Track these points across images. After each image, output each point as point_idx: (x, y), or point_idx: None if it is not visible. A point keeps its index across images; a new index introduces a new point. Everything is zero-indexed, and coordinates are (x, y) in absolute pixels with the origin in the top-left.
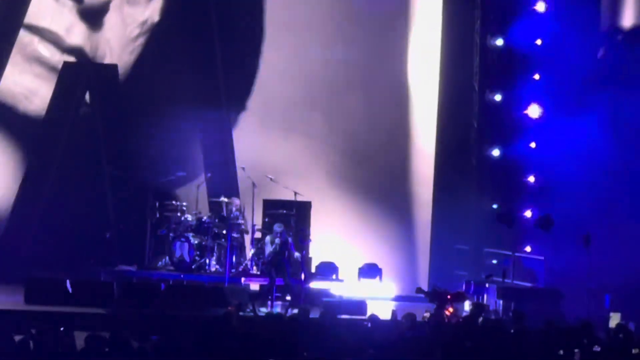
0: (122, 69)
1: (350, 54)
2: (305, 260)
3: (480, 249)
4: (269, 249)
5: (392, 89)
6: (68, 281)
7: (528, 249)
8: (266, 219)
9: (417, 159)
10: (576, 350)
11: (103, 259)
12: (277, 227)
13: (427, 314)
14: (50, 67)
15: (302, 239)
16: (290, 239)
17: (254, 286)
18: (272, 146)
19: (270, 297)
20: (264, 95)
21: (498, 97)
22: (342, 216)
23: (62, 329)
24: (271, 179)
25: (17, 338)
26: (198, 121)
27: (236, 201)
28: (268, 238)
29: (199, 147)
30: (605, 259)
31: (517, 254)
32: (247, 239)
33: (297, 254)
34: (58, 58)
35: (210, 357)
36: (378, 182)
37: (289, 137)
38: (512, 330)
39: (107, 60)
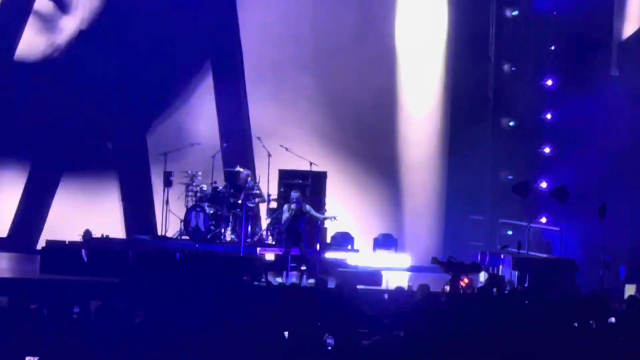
0: None
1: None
2: (321, 231)
3: (495, 220)
4: (283, 218)
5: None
6: (83, 250)
7: (543, 220)
8: (281, 189)
9: (432, 130)
10: (591, 322)
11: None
12: (294, 194)
13: (447, 287)
14: None
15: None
16: (308, 207)
17: (269, 256)
18: (285, 116)
19: (285, 267)
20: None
21: (512, 68)
22: (357, 186)
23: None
24: (286, 148)
25: (33, 307)
26: (215, 92)
27: (248, 171)
28: (285, 207)
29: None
30: (620, 231)
31: (532, 225)
32: (263, 209)
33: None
34: None
35: (224, 328)
36: (391, 152)
37: (299, 106)
38: (526, 302)
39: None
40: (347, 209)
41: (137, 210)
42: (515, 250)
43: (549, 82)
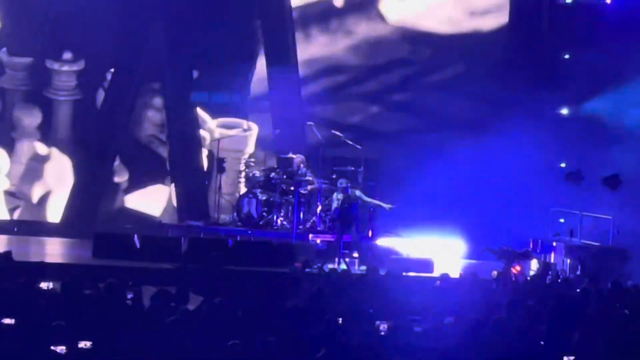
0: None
1: None
2: (373, 216)
3: (547, 207)
4: (335, 205)
5: None
6: (136, 236)
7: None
8: (334, 176)
9: None
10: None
11: None
12: (342, 180)
13: (495, 273)
14: None
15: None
16: (358, 192)
17: (321, 242)
18: (338, 105)
19: (337, 254)
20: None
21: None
22: (409, 173)
23: (130, 283)
24: (339, 135)
25: (86, 292)
26: (268, 79)
27: (300, 157)
28: (335, 194)
29: (267, 104)
30: None
31: (584, 213)
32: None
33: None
34: None
35: (276, 314)
36: (446, 138)
37: (354, 96)
38: (577, 290)
39: None
40: (402, 196)
41: (190, 195)
42: (568, 238)
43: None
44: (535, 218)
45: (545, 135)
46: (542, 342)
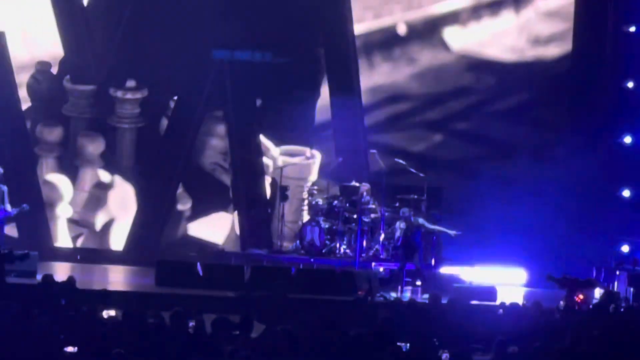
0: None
1: None
2: (437, 244)
3: (610, 235)
4: (398, 233)
5: None
6: (199, 264)
7: None
8: (396, 204)
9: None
10: None
11: None
12: (403, 212)
13: (562, 303)
14: None
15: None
16: (421, 220)
17: (385, 271)
18: (401, 133)
19: (400, 282)
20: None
21: None
22: (471, 201)
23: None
24: (402, 163)
25: (149, 320)
26: (331, 106)
27: (366, 186)
28: (398, 222)
29: (330, 132)
30: None
31: None
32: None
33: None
34: None
35: (340, 343)
36: (508, 166)
37: (417, 124)
38: None
39: None
40: (464, 224)
41: (253, 223)
42: (631, 267)
43: None
44: (597, 246)
45: (607, 162)
46: None
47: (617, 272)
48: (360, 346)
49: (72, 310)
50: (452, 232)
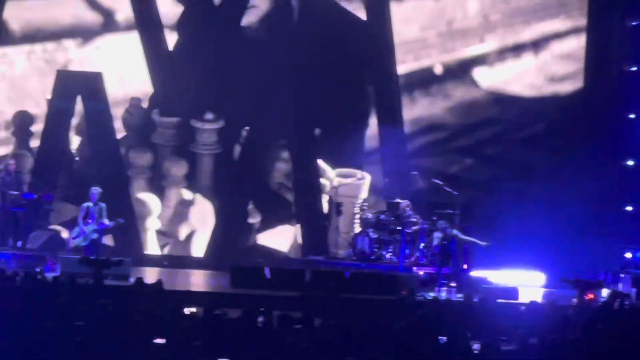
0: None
1: None
2: (468, 251)
3: (616, 244)
4: (435, 242)
5: None
6: (267, 269)
7: None
8: (434, 218)
9: None
10: None
11: None
12: (440, 224)
13: (575, 300)
14: None
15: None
16: (455, 231)
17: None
18: (438, 157)
19: (437, 283)
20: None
21: None
22: (498, 215)
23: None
24: (438, 183)
25: (225, 316)
26: (379, 135)
27: (408, 202)
28: (435, 234)
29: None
30: None
31: None
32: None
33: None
34: None
35: (386, 336)
36: (528, 186)
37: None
38: None
39: None
40: (492, 235)
41: (312, 234)
42: (633, 270)
43: None
44: (604, 253)
45: (613, 182)
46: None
47: (622, 275)
48: (403, 338)
49: (160, 308)
50: (482, 243)
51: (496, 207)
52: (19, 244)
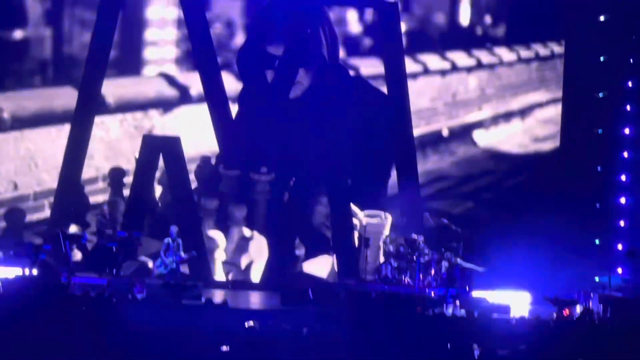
0: None
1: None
2: (469, 276)
3: (588, 269)
4: (443, 269)
5: None
6: (310, 290)
7: (619, 270)
8: (442, 249)
9: None
10: None
11: None
12: (447, 254)
13: (554, 315)
14: None
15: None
16: (459, 260)
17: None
18: (445, 201)
19: (445, 301)
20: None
21: None
22: (493, 247)
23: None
24: (445, 222)
25: (276, 329)
26: (398, 183)
27: (421, 237)
28: (443, 262)
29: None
30: None
31: (613, 275)
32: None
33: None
34: None
35: (406, 344)
36: (521, 224)
37: (455, 195)
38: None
39: None
40: (488, 262)
41: (346, 263)
42: (601, 290)
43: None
44: (578, 277)
45: (585, 221)
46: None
47: (592, 295)
48: (419, 345)
49: (226, 322)
50: (480, 269)
51: (491, 240)
52: (114, 272)
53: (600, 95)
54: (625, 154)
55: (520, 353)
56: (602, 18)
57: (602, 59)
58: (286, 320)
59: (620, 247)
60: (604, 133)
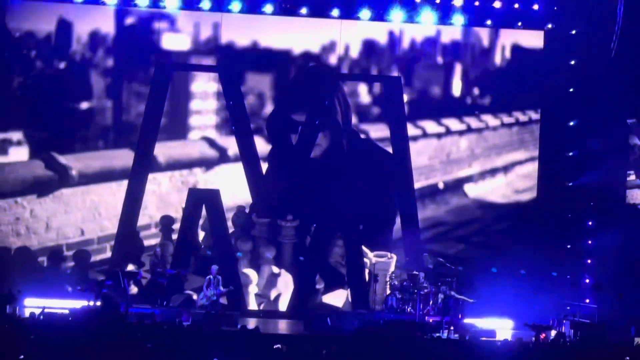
0: None
1: None
2: (462, 306)
3: (561, 299)
4: (440, 300)
5: None
6: (328, 318)
7: (587, 300)
8: (439, 283)
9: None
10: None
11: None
12: (443, 289)
13: (534, 338)
14: None
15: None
16: (453, 292)
17: (433, 321)
18: (441, 243)
19: (441, 327)
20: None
21: None
22: (480, 282)
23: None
24: (441, 260)
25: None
26: (402, 229)
27: (422, 274)
28: (440, 295)
29: (401, 244)
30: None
31: (582, 304)
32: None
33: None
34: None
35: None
36: (505, 264)
37: (450, 238)
38: (578, 348)
39: None
40: (475, 294)
41: (358, 295)
42: (572, 317)
43: None
44: (553, 306)
45: (558, 260)
46: None
47: (564, 321)
48: None
49: (257, 346)
50: (470, 300)
51: (480, 276)
52: (164, 303)
53: (570, 154)
54: (592, 203)
55: None
56: (571, 90)
57: (571, 123)
58: (308, 342)
59: (587, 281)
60: (573, 186)
